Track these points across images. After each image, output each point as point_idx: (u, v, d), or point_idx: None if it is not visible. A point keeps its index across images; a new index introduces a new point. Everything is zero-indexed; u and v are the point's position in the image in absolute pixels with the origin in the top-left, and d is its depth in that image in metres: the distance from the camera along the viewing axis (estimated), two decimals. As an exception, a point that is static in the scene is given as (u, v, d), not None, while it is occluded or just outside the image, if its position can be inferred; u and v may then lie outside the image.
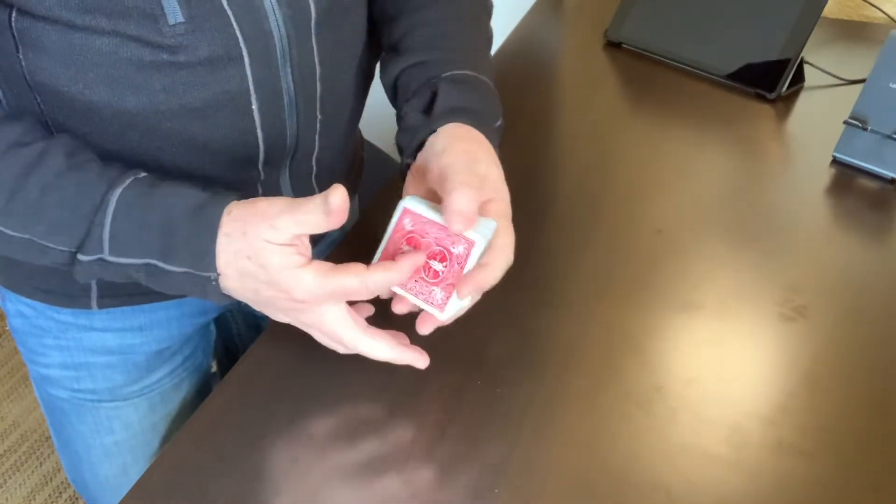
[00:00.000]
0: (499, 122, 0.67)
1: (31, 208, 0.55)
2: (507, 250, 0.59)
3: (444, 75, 0.66)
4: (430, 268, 0.58)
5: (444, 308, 0.58)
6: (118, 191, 0.55)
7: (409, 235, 0.59)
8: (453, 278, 0.57)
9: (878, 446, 0.59)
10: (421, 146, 0.63)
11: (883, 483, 0.56)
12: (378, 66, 0.73)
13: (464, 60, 0.68)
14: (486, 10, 0.75)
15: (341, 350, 0.59)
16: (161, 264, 0.55)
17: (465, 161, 0.59)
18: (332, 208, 0.52)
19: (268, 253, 0.53)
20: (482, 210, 0.59)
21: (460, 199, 0.55)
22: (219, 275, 0.55)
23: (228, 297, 0.57)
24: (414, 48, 0.68)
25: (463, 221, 0.55)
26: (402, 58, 0.69)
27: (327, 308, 0.56)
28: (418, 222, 0.59)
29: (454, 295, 0.57)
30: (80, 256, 0.55)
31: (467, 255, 0.57)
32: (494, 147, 0.64)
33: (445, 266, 0.58)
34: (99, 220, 0.55)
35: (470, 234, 0.57)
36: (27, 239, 0.56)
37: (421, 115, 0.64)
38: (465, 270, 0.57)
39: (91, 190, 0.55)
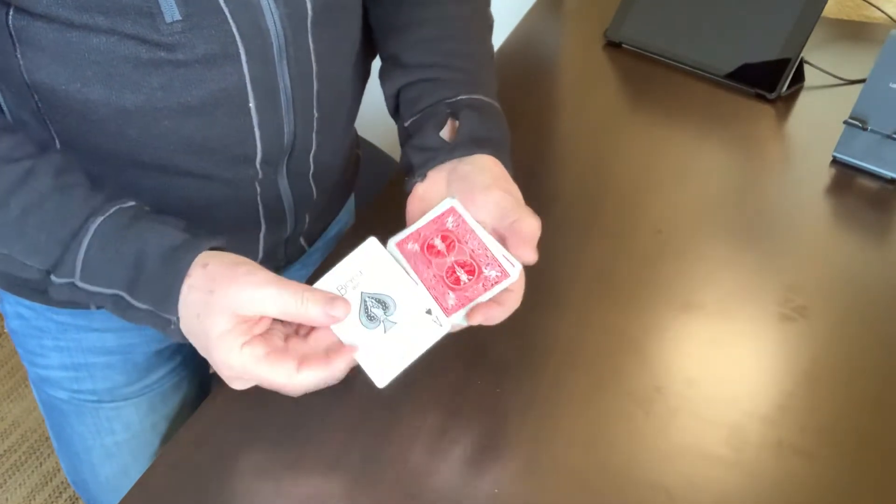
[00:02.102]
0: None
1: (11, 227, 0.55)
2: (519, 295, 0.60)
3: (460, 98, 0.66)
4: (454, 273, 0.58)
5: (449, 314, 0.57)
6: (98, 220, 0.55)
7: (446, 233, 0.60)
8: (472, 294, 0.57)
9: (878, 446, 0.59)
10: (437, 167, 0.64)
11: (883, 483, 0.56)
12: (379, 73, 0.72)
13: (476, 84, 0.68)
14: (489, 26, 0.75)
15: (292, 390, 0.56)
16: (128, 298, 0.55)
17: (517, 202, 0.61)
18: (332, 314, 0.54)
19: (218, 319, 0.53)
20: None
21: (533, 226, 0.59)
22: (178, 318, 0.54)
23: (185, 340, 0.56)
24: (422, 63, 0.68)
25: (533, 249, 0.58)
26: (407, 71, 0.68)
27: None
28: (461, 227, 0.60)
29: (463, 310, 0.57)
30: (53, 278, 0.56)
31: (496, 283, 0.58)
32: (510, 172, 0.65)
33: (470, 280, 0.58)
34: (74, 246, 0.55)
35: (506, 266, 0.58)
36: (5, 254, 0.56)
37: (440, 137, 0.64)
38: (487, 296, 0.57)
39: (71, 215, 0.55)
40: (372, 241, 0.59)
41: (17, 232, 0.55)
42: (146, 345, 0.79)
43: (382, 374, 0.56)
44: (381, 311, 0.57)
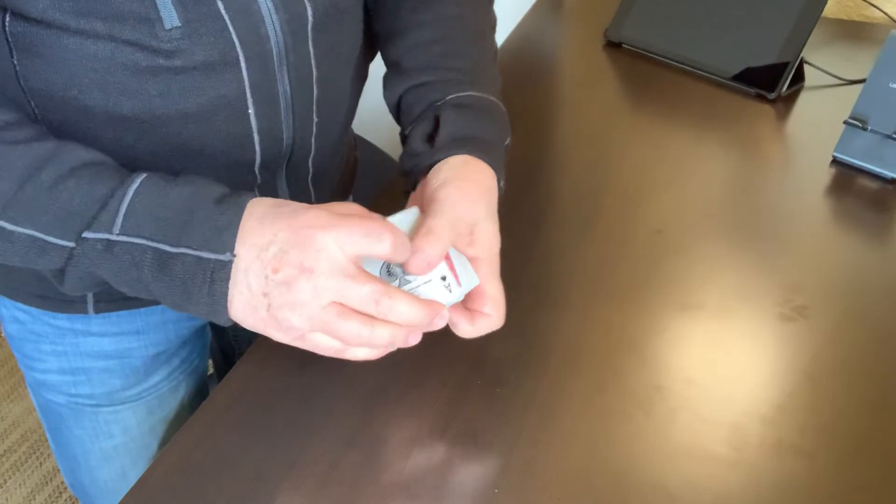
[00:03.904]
0: (507, 142, 0.66)
1: (42, 196, 0.52)
2: (496, 320, 0.58)
3: (447, 98, 0.65)
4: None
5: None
6: (142, 175, 0.54)
7: None
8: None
9: (878, 446, 0.59)
10: (424, 174, 0.63)
11: (883, 483, 0.56)
12: (382, 81, 0.72)
13: (469, 81, 0.66)
14: (491, 25, 0.74)
15: (357, 337, 0.52)
16: (171, 249, 0.51)
17: (454, 206, 0.58)
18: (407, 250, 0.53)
19: (304, 208, 0.52)
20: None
21: (429, 245, 0.55)
22: (234, 256, 0.51)
23: (227, 300, 0.52)
24: (417, 67, 0.68)
25: (423, 265, 0.55)
26: (405, 77, 0.68)
27: (346, 255, 0.51)
28: None
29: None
30: (86, 234, 0.52)
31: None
32: (500, 171, 0.63)
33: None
34: (119, 195, 0.52)
35: (462, 278, 0.58)
36: (28, 235, 0.52)
37: (425, 142, 0.63)
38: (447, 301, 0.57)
39: (111, 176, 0.53)
40: (415, 209, 0.59)
41: (47, 201, 0.52)
42: (144, 349, 0.78)
43: None
44: (401, 269, 0.57)
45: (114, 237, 0.52)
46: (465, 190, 0.59)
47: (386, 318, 0.51)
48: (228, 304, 0.52)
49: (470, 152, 0.61)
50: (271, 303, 0.51)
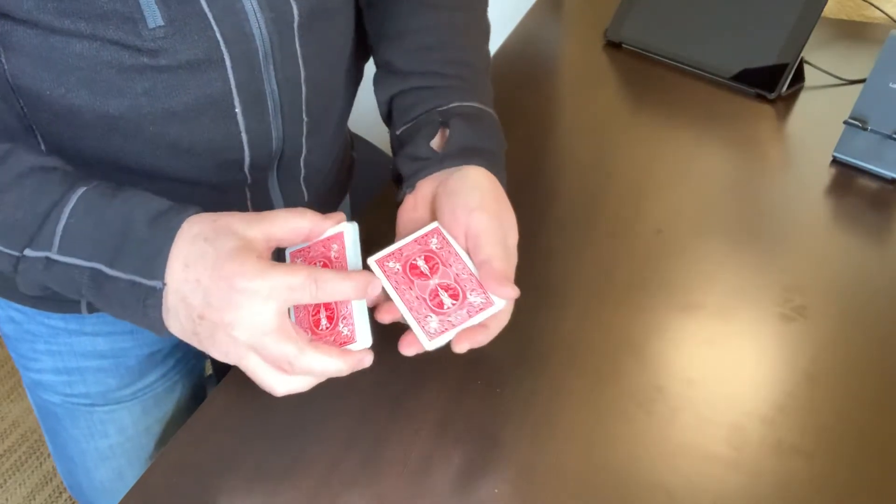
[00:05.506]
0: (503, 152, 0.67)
1: None
2: (506, 317, 0.60)
3: (452, 107, 0.65)
4: (437, 296, 0.57)
5: (433, 339, 0.56)
6: (81, 189, 0.54)
7: (429, 254, 0.59)
8: (456, 320, 0.56)
9: (878, 446, 0.59)
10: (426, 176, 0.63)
11: (883, 483, 0.56)
12: (373, 79, 0.72)
13: (470, 91, 0.67)
14: (486, 34, 0.74)
15: (283, 386, 0.53)
16: (107, 270, 0.52)
17: (500, 229, 0.59)
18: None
19: (229, 237, 0.51)
20: None
21: (502, 268, 0.57)
22: (164, 285, 0.51)
23: (164, 323, 0.53)
24: (415, 71, 0.68)
25: (507, 290, 0.56)
26: (401, 78, 0.68)
27: (266, 310, 0.50)
28: (445, 249, 0.59)
29: (447, 333, 0.56)
30: (28, 252, 0.53)
31: (480, 310, 0.57)
32: (503, 182, 0.64)
33: (454, 304, 0.57)
34: (55, 214, 0.53)
35: (493, 296, 0.57)
36: None
37: (430, 147, 0.63)
38: (470, 323, 0.56)
39: (52, 189, 0.53)
40: (347, 224, 0.59)
41: None
42: (138, 348, 0.78)
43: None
44: None
45: (53, 256, 0.53)
46: (498, 216, 0.60)
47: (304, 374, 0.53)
48: (166, 326, 0.53)
49: (481, 164, 0.62)
50: (202, 341, 0.53)
